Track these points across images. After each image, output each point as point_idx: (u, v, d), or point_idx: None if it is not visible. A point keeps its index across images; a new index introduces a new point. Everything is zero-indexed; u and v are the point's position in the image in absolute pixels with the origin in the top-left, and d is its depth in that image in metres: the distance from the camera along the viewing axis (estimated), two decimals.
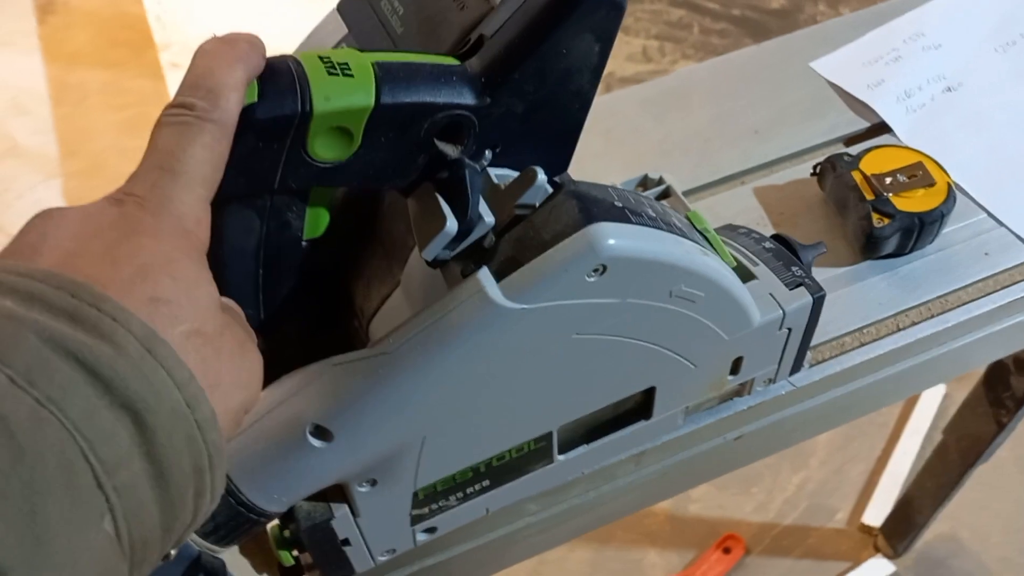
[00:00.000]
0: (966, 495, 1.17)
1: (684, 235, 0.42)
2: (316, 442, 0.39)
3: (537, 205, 0.40)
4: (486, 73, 0.39)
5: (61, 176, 1.94)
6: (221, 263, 0.41)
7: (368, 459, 0.41)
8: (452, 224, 0.39)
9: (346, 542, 0.45)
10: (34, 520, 0.24)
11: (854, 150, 0.63)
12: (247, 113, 0.35)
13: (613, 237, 0.38)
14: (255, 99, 0.35)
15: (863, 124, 0.69)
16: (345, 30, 0.48)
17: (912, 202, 0.59)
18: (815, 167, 0.64)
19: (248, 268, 0.41)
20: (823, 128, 0.69)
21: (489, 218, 0.40)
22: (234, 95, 0.34)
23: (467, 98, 0.39)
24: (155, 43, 2.16)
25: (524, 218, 0.40)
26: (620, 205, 0.40)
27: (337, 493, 0.44)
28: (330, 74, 0.37)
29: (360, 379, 0.39)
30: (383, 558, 0.48)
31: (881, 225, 0.59)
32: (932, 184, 0.60)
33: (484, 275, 0.38)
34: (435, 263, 0.40)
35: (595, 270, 0.38)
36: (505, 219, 0.40)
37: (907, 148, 0.63)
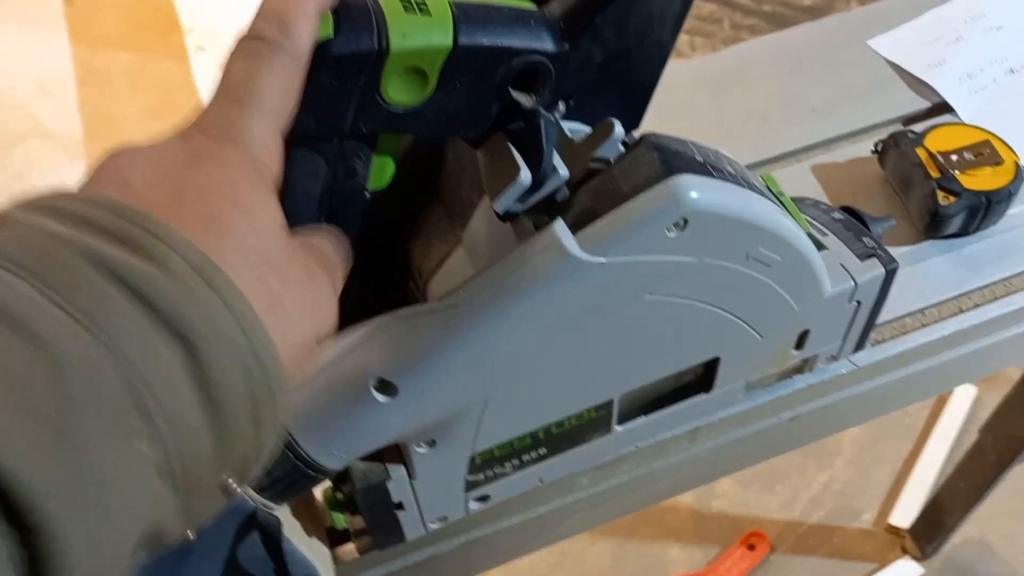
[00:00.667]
0: (997, 500, 1.15)
1: (764, 195, 0.40)
2: (380, 396, 0.38)
3: (612, 160, 0.39)
4: (566, 18, 0.38)
5: (85, 158, 1.94)
6: (285, 209, 0.39)
7: (431, 417, 0.40)
8: (526, 174, 0.38)
9: (400, 506, 0.44)
10: (68, 436, 0.22)
11: (918, 128, 0.61)
12: (321, 49, 0.34)
13: (696, 190, 0.36)
14: (330, 34, 0.34)
15: (923, 104, 0.68)
16: None
17: (979, 180, 0.58)
18: (876, 144, 0.62)
19: (311, 215, 0.40)
20: (883, 107, 0.68)
21: (564, 171, 0.38)
22: (307, 25, 0.33)
23: (546, 43, 0.38)
24: (181, 26, 2.16)
25: (600, 172, 0.38)
26: (701, 160, 0.38)
27: (394, 455, 0.42)
28: (407, 11, 0.35)
29: (428, 332, 0.37)
30: (434, 525, 0.47)
31: (947, 203, 0.57)
32: (1000, 163, 0.58)
33: (560, 226, 0.37)
34: (506, 216, 0.39)
35: (676, 224, 0.36)
36: (580, 173, 0.39)
37: (973, 126, 0.61)
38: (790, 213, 0.44)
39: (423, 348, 0.37)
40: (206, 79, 2.02)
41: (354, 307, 0.45)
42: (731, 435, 0.54)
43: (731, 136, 0.67)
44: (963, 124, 0.61)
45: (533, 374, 0.40)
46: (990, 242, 0.59)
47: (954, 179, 0.57)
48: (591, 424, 0.46)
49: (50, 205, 0.27)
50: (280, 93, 0.32)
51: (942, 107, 0.67)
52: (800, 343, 0.49)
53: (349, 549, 0.48)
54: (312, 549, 0.45)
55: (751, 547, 1.30)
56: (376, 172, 0.40)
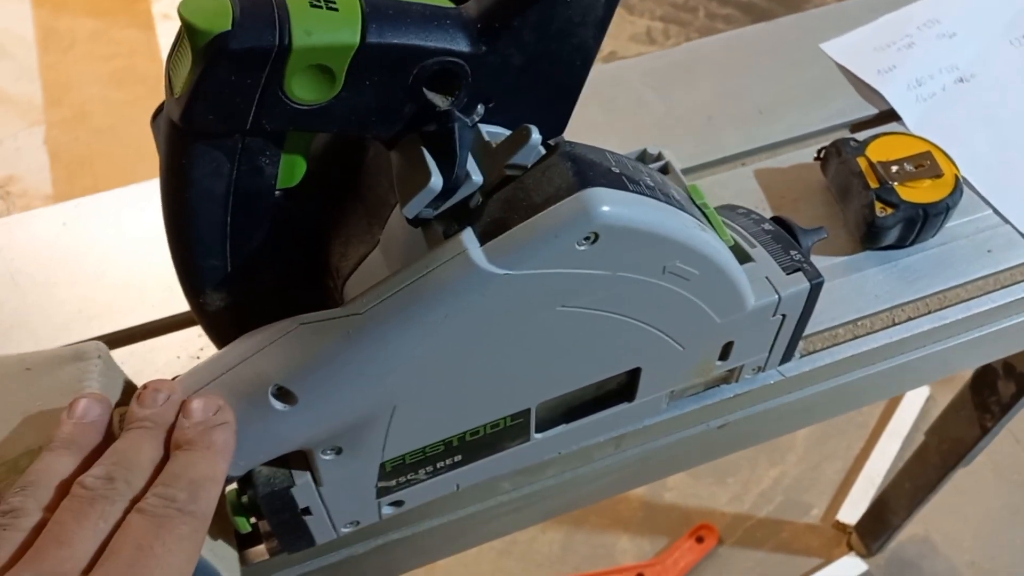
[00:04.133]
0: (941, 499, 1.16)
1: (682, 208, 0.39)
2: (278, 404, 0.37)
3: (529, 166, 0.38)
4: (483, 19, 0.37)
5: (44, 124, 1.90)
6: (188, 207, 0.38)
7: (334, 426, 0.39)
8: (437, 180, 0.36)
9: (307, 511, 0.43)
10: None
11: (861, 136, 0.60)
12: (220, 42, 0.33)
13: (608, 203, 0.35)
14: (227, 26, 0.33)
15: (871, 110, 0.67)
16: None
17: (917, 193, 0.57)
18: (819, 151, 0.62)
19: (215, 214, 0.38)
20: (830, 112, 0.67)
21: (477, 176, 0.37)
22: (216, 490, 0.35)
23: (461, 44, 0.36)
24: None
25: (515, 179, 0.37)
26: (617, 171, 0.37)
27: (299, 459, 0.41)
28: (313, 6, 0.34)
29: (329, 340, 0.36)
30: (346, 530, 0.46)
31: (884, 215, 0.56)
32: (939, 175, 0.58)
33: (468, 236, 0.36)
34: (416, 221, 0.38)
35: (587, 238, 0.36)
36: (494, 179, 0.38)
37: (916, 137, 0.60)
38: (712, 226, 0.43)
39: (323, 356, 0.36)
40: (170, 46, 1.98)
41: (269, 304, 0.44)
42: (658, 442, 0.54)
43: (676, 136, 0.66)
44: (906, 134, 0.60)
45: (441, 383, 0.39)
46: (926, 255, 0.59)
47: (892, 190, 0.57)
48: (508, 432, 0.45)
49: None
50: (181, 566, 0.32)
51: (889, 115, 0.67)
52: (724, 354, 0.48)
53: (260, 551, 0.47)
54: (217, 553, 0.43)
55: (699, 539, 1.31)
56: (285, 170, 0.39)
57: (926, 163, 0.58)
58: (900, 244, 0.59)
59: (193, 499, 0.33)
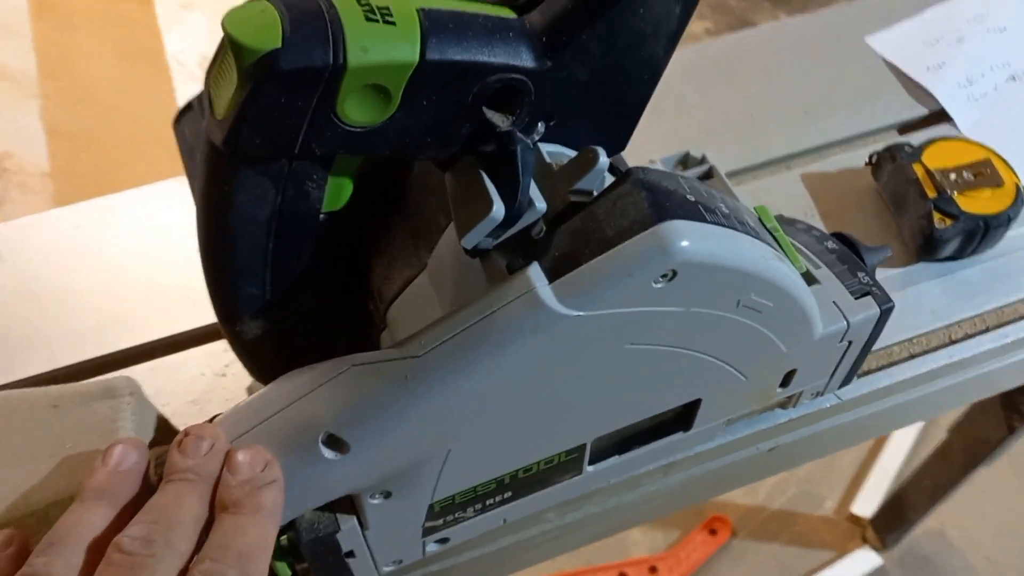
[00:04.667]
0: (958, 495, 1.15)
1: (758, 237, 0.37)
2: (329, 453, 0.34)
3: (595, 192, 0.35)
4: (548, 31, 0.33)
5: (40, 98, 1.85)
6: (228, 233, 0.35)
7: (385, 473, 0.36)
8: (499, 208, 0.33)
9: (350, 554, 0.40)
10: None
11: (915, 140, 0.57)
12: (268, 61, 0.29)
13: (688, 238, 0.32)
14: (277, 44, 0.29)
15: (920, 110, 0.64)
16: None
17: (977, 203, 0.54)
18: (871, 156, 0.59)
19: (257, 241, 0.35)
20: (878, 112, 0.64)
21: (541, 203, 0.34)
22: (267, 558, 0.32)
23: (525, 59, 0.33)
24: None
25: (581, 207, 0.34)
26: (693, 199, 0.34)
27: (345, 503, 0.38)
28: (369, 20, 0.31)
29: (385, 384, 0.33)
30: (388, 568, 0.43)
31: (943, 227, 0.54)
32: (1000, 184, 0.55)
33: (535, 272, 0.33)
34: (475, 252, 0.35)
35: (664, 275, 0.33)
36: (558, 206, 0.35)
37: (974, 143, 0.57)
38: (785, 253, 0.40)
39: (379, 402, 0.33)
40: (170, 20, 1.93)
41: (308, 328, 0.41)
42: (706, 467, 0.51)
43: (718, 137, 0.62)
44: (963, 140, 0.57)
45: (499, 424, 0.37)
46: (985, 267, 0.56)
47: (952, 201, 0.54)
48: (561, 467, 0.43)
49: None
50: None
51: (940, 115, 0.64)
52: (786, 381, 0.45)
53: None
54: None
55: (713, 532, 1.29)
56: (332, 193, 0.36)
57: (986, 171, 0.55)
58: (957, 256, 0.56)
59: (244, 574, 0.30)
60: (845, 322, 0.43)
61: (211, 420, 0.36)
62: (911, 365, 0.53)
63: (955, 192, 0.54)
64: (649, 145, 0.61)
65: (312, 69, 0.30)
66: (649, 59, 0.36)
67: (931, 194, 0.55)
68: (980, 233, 0.54)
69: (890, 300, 0.44)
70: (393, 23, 0.31)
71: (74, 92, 1.82)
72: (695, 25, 1.83)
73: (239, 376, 0.51)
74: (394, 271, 0.41)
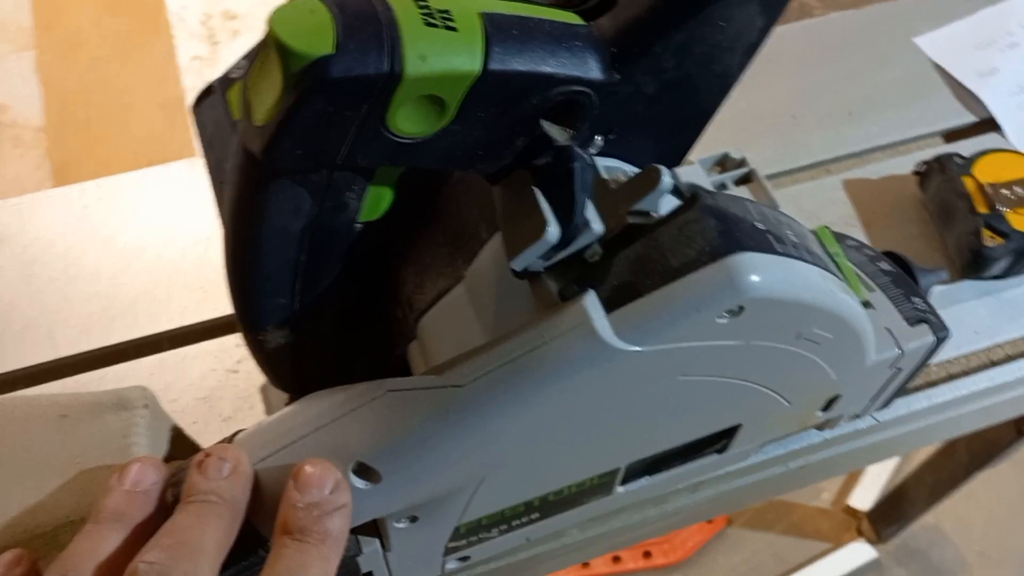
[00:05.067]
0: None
1: (826, 267, 0.34)
2: (360, 483, 0.32)
3: (654, 213, 0.32)
4: (619, 40, 0.31)
5: (34, 49, 1.79)
6: (258, 244, 0.32)
7: (413, 499, 0.34)
8: (554, 230, 0.31)
9: (369, 574, 0.38)
10: None
11: (962, 148, 0.55)
12: (319, 68, 0.27)
13: (759, 272, 0.30)
14: (329, 50, 0.27)
15: (969, 117, 0.61)
16: None
17: None
18: (919, 165, 0.56)
19: (288, 253, 0.33)
20: (924, 116, 0.61)
21: (598, 226, 0.32)
22: None
23: (593, 71, 0.31)
24: None
25: (640, 230, 0.32)
26: (763, 228, 0.32)
27: (368, 524, 0.36)
28: (428, 24, 0.28)
29: (422, 414, 0.31)
30: None
31: (993, 245, 0.51)
32: None
33: (591, 302, 0.30)
34: (524, 274, 0.32)
35: (731, 311, 0.30)
36: (615, 227, 0.32)
37: None
38: (847, 281, 0.38)
39: (415, 433, 0.31)
40: None
41: (333, 333, 0.39)
42: (735, 484, 0.49)
43: (758, 136, 0.60)
44: (1017, 153, 0.55)
45: (538, 453, 0.35)
46: None
47: (1003, 219, 0.52)
48: (592, 489, 0.41)
49: None
50: None
51: (989, 123, 0.61)
52: (828, 406, 0.43)
53: None
54: None
55: (709, 519, 1.28)
56: (371, 203, 0.34)
57: None
58: (1005, 274, 0.54)
59: None
60: (898, 350, 0.41)
61: (232, 437, 0.34)
62: (950, 387, 0.51)
63: (1007, 209, 0.52)
64: None
65: (366, 78, 0.27)
66: (723, 73, 0.33)
67: (982, 210, 0.52)
68: None
69: (946, 328, 0.42)
70: (455, 28, 0.28)
71: (69, 45, 1.77)
72: None
73: (252, 373, 0.48)
74: (427, 280, 0.38)
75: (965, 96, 0.62)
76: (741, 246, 0.30)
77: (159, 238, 0.54)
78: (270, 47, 0.28)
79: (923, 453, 1.19)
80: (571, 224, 0.31)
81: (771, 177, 0.58)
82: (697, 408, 0.37)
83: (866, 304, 0.42)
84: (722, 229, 0.31)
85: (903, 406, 0.50)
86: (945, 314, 0.53)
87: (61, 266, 0.52)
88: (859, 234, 0.56)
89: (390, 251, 0.39)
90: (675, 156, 0.37)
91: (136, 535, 0.30)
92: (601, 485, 0.41)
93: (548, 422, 0.32)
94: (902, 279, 0.44)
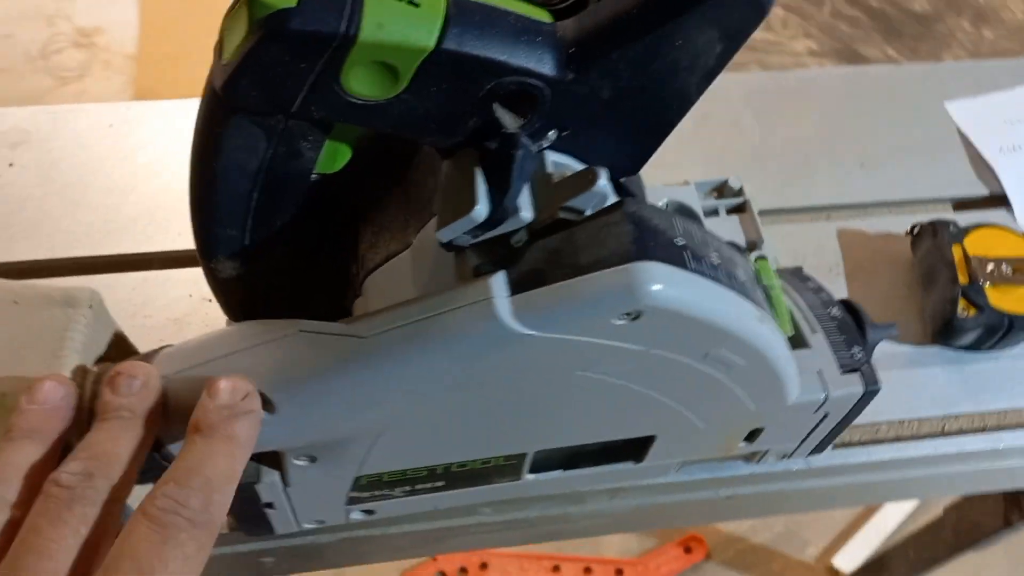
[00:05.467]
0: (942, 571, 1.12)
1: (746, 294, 0.35)
2: None
3: (587, 212, 0.34)
4: (579, 43, 0.32)
5: None
6: (214, 175, 0.35)
7: (311, 440, 0.36)
8: (482, 209, 0.33)
9: (269, 506, 0.41)
10: None
11: (966, 219, 0.55)
12: (279, 18, 0.29)
13: (661, 282, 0.31)
14: (293, 2, 0.29)
15: (981, 190, 0.61)
16: None
17: (1009, 300, 0.52)
18: (913, 227, 0.57)
19: (241, 188, 0.35)
20: (936, 181, 0.61)
21: (527, 213, 0.34)
22: (231, 489, 0.31)
23: (546, 67, 0.32)
24: None
25: (568, 225, 0.33)
26: (682, 243, 0.33)
27: (271, 456, 0.39)
28: None
29: (323, 357, 0.33)
30: (309, 526, 0.44)
31: (965, 315, 0.52)
32: None
33: (498, 282, 0.32)
34: (450, 246, 0.34)
35: (628, 314, 0.32)
36: (546, 219, 0.34)
37: None
38: (775, 313, 0.39)
39: (313, 373, 0.33)
40: None
41: (286, 277, 0.41)
42: (658, 499, 0.51)
43: (765, 170, 0.61)
44: (1013, 231, 0.55)
45: (435, 419, 0.36)
46: (1000, 365, 0.54)
47: (981, 291, 0.52)
48: (499, 469, 0.42)
49: None
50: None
51: (1000, 199, 0.61)
52: (751, 437, 0.44)
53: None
54: None
55: (688, 550, 1.28)
56: (327, 156, 0.36)
57: None
58: (975, 347, 0.54)
59: (206, 506, 0.30)
60: (823, 394, 0.42)
61: (159, 350, 0.36)
62: (895, 447, 0.52)
63: (987, 283, 0.52)
64: (691, 163, 0.60)
65: (321, 35, 0.29)
66: (680, 92, 0.35)
67: (962, 280, 0.53)
68: (1003, 330, 0.52)
69: (876, 383, 0.43)
70: (416, 4, 0.30)
71: None
72: (798, 43, 1.78)
73: None
74: (381, 242, 0.40)
75: (983, 168, 0.62)
76: (649, 255, 0.32)
77: (176, 163, 0.57)
78: None
79: (916, 523, 1.17)
80: (501, 207, 0.33)
81: (769, 213, 0.59)
82: (604, 409, 0.38)
83: (801, 342, 0.43)
84: (636, 236, 0.32)
85: (840, 456, 0.51)
86: (907, 375, 0.54)
87: (78, 174, 0.56)
88: (840, 283, 0.56)
89: (354, 208, 0.41)
90: (632, 164, 0.38)
91: (52, 448, 0.32)
92: (508, 467, 0.42)
93: (443, 389, 0.34)
94: (848, 328, 0.44)
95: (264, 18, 0.29)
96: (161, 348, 0.37)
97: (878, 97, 0.66)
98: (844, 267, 0.57)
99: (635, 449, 0.44)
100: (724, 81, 0.64)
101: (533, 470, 0.43)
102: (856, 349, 0.43)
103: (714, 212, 0.56)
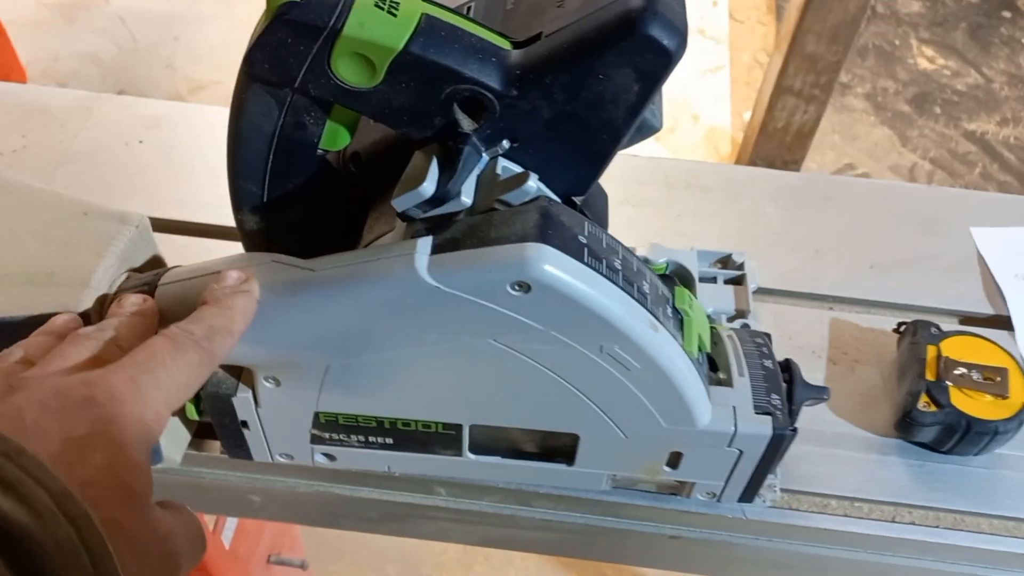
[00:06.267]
0: None
1: (641, 302, 0.41)
2: None
3: (514, 205, 0.41)
4: (523, 66, 0.40)
5: None
6: (239, 133, 0.44)
7: (271, 355, 0.44)
8: (428, 187, 0.40)
9: (244, 424, 0.48)
10: None
11: (947, 326, 0.57)
12: (285, 9, 0.38)
13: (548, 263, 0.37)
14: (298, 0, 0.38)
15: (987, 310, 0.63)
16: None
17: (972, 404, 0.53)
18: (899, 324, 0.59)
19: (260, 148, 0.44)
20: (945, 293, 0.63)
21: (467, 198, 0.41)
22: (229, 340, 0.39)
23: (493, 81, 0.40)
24: None
25: (491, 212, 0.40)
26: (583, 242, 0.40)
27: (249, 379, 0.46)
28: (377, 6, 0.39)
29: (282, 281, 0.41)
30: (281, 459, 0.51)
31: (924, 410, 0.53)
32: (1005, 396, 0.54)
33: (423, 242, 0.39)
34: (404, 217, 0.42)
35: (519, 286, 0.38)
36: (483, 207, 0.41)
37: (1004, 351, 0.56)
38: (681, 333, 0.44)
39: (272, 291, 0.41)
40: None
41: (296, 238, 0.49)
42: (601, 521, 0.54)
43: (776, 255, 0.65)
44: (995, 345, 0.56)
45: (373, 364, 0.43)
46: (961, 469, 0.55)
47: (945, 390, 0.54)
48: (439, 438, 0.48)
49: None
50: (184, 383, 0.37)
51: (1004, 322, 0.62)
52: (673, 463, 0.48)
53: (216, 444, 0.54)
54: (169, 428, 0.50)
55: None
56: (329, 135, 0.44)
57: (996, 379, 0.54)
58: (937, 447, 0.55)
59: (208, 338, 0.38)
60: (732, 427, 0.45)
61: (170, 268, 0.45)
62: (842, 521, 0.53)
63: (952, 384, 0.54)
64: (704, 234, 0.65)
65: (314, 26, 0.38)
66: (608, 121, 0.41)
67: (929, 376, 0.55)
68: (961, 431, 0.53)
69: (788, 427, 0.46)
70: (394, 15, 0.39)
71: None
72: (923, 58, 1.77)
73: None
74: (378, 223, 0.48)
75: (993, 291, 0.64)
76: (544, 240, 0.38)
77: None
78: None
79: None
80: (444, 188, 0.41)
81: (769, 291, 0.63)
82: (521, 388, 0.44)
83: (723, 381, 0.47)
84: (540, 224, 0.39)
85: (777, 515, 0.53)
86: (865, 460, 0.56)
87: (189, 157, 0.68)
88: (820, 367, 0.59)
89: (365, 196, 0.50)
90: (579, 185, 0.44)
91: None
92: (448, 438, 0.48)
93: (375, 332, 0.41)
94: (775, 379, 0.48)
95: (275, 8, 0.39)
96: (172, 268, 0.46)
97: (906, 211, 0.69)
98: (828, 351, 0.60)
99: (565, 450, 0.49)
100: (759, 175, 0.70)
101: (473, 450, 0.49)
102: (774, 397, 0.47)
103: (712, 279, 0.61)
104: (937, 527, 0.53)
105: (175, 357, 0.36)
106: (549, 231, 0.39)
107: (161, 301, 0.43)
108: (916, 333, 0.57)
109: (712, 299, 0.59)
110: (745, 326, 0.58)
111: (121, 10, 2.15)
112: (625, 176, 0.69)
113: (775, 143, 1.75)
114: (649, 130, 0.44)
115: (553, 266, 0.38)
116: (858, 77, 2.10)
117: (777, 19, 2.25)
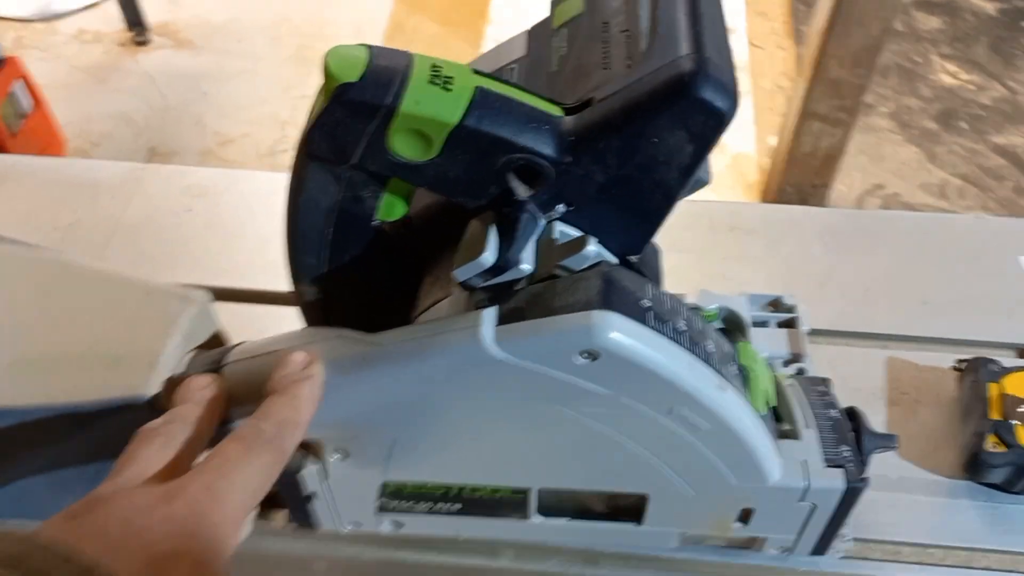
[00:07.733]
0: None
1: (708, 362, 0.40)
2: None
3: (575, 271, 0.41)
4: (577, 133, 0.40)
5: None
6: (298, 208, 0.45)
7: (339, 429, 0.44)
8: (488, 256, 0.40)
9: (311, 496, 0.48)
10: None
11: (1008, 362, 0.56)
12: (343, 89, 0.39)
13: (615, 330, 0.37)
14: (354, 78, 0.39)
15: None
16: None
17: None
18: (959, 362, 0.58)
19: (318, 222, 0.45)
20: (997, 328, 0.63)
21: (527, 266, 0.41)
22: (298, 433, 0.39)
23: (547, 149, 0.40)
24: (488, 16, 2.32)
25: (554, 279, 0.40)
26: (647, 305, 0.39)
27: (317, 452, 0.47)
28: (431, 83, 0.39)
29: (350, 355, 0.41)
30: (348, 527, 0.51)
31: (994, 450, 0.53)
32: None
33: (488, 313, 0.39)
34: (466, 286, 0.42)
35: (587, 354, 0.38)
36: (543, 274, 0.41)
37: None
38: (748, 390, 0.43)
39: (340, 366, 0.41)
40: None
41: (354, 308, 0.50)
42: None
43: (825, 296, 0.64)
44: None
45: (439, 434, 0.43)
46: None
47: (1011, 429, 0.53)
48: (507, 502, 0.48)
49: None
50: (258, 486, 0.37)
51: None
52: (744, 518, 0.48)
53: (279, 515, 0.54)
54: None
55: None
56: (386, 207, 0.45)
57: None
58: (1009, 488, 0.54)
59: (278, 435, 0.38)
60: (805, 482, 0.45)
61: (237, 345, 0.46)
62: (916, 569, 0.52)
63: (1019, 423, 0.53)
64: (751, 280, 0.64)
65: (372, 104, 0.39)
66: (662, 182, 0.41)
67: (994, 416, 0.54)
68: None
69: (862, 480, 0.45)
70: (449, 90, 0.39)
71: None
72: (945, 74, 1.75)
73: None
74: (434, 289, 0.49)
75: None
76: (609, 306, 0.38)
77: None
78: (324, 70, 0.40)
79: None
80: (504, 257, 0.41)
81: (823, 333, 0.62)
82: (591, 454, 0.44)
83: (791, 434, 0.46)
84: (603, 291, 0.38)
85: (851, 566, 0.52)
86: (935, 503, 0.55)
87: (238, 224, 0.68)
88: (880, 410, 0.58)
89: (420, 261, 0.50)
90: (634, 244, 0.44)
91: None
92: (515, 502, 0.48)
93: (441, 404, 0.41)
94: (842, 428, 0.47)
95: (333, 88, 0.39)
96: (238, 344, 0.46)
97: (954, 243, 0.68)
98: (887, 393, 0.59)
99: (633, 510, 0.48)
100: (804, 213, 0.70)
101: (541, 512, 0.49)
102: (844, 448, 0.46)
103: (764, 324, 0.61)
104: (1013, 571, 0.52)
105: (249, 460, 0.37)
106: (613, 297, 0.38)
107: (228, 380, 0.43)
108: (977, 371, 0.56)
109: (766, 344, 0.59)
110: (801, 371, 0.57)
111: (151, 69, 2.19)
112: (668, 221, 0.69)
113: (803, 168, 1.74)
114: (699, 185, 0.44)
115: (620, 333, 0.37)
116: (881, 96, 2.09)
117: (796, 43, 2.25)
